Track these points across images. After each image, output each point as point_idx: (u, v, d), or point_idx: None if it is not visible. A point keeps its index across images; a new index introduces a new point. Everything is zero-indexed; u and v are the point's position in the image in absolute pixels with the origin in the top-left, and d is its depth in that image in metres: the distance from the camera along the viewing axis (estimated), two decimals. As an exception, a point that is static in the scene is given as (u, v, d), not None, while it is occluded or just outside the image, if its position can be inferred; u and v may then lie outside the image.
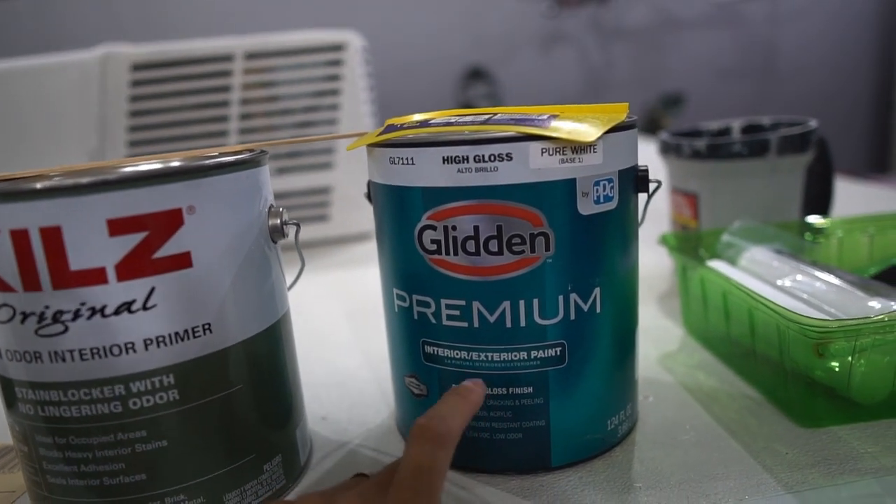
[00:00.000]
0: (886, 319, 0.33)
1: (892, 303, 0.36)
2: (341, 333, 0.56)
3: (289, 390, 0.34)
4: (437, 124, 0.32)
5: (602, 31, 2.87)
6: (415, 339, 0.34)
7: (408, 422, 0.36)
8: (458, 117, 0.34)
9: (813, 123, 0.56)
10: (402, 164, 0.31)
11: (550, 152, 0.29)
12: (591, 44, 2.86)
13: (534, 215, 0.30)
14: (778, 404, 0.38)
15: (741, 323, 0.40)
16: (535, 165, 0.29)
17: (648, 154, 1.35)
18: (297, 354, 0.37)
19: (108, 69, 0.82)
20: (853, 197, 0.89)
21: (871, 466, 0.32)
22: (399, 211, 0.32)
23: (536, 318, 0.31)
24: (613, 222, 0.32)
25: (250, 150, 0.34)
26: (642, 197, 0.35)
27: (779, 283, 0.42)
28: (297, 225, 0.35)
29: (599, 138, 0.30)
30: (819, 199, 0.63)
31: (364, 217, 0.89)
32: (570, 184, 0.30)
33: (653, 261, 0.67)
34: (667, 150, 0.59)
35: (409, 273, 0.33)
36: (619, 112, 0.33)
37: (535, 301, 0.31)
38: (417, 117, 0.36)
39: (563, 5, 2.80)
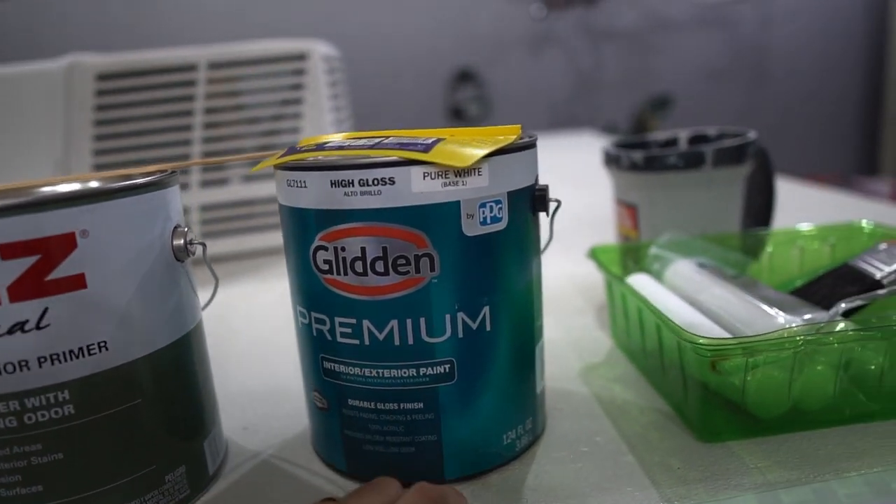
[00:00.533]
0: (778, 337, 0.34)
1: (798, 318, 0.37)
2: (280, 344, 0.57)
3: (198, 402, 0.36)
4: (331, 147, 0.33)
5: (591, 32, 2.88)
6: (315, 355, 0.35)
7: (316, 434, 0.37)
8: (352, 140, 0.35)
9: (752, 135, 0.57)
10: (297, 186, 0.32)
11: (433, 176, 0.30)
12: (580, 46, 2.87)
13: (418, 237, 0.31)
14: (682, 418, 0.39)
15: (652, 337, 0.42)
16: (418, 189, 0.30)
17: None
18: (233, 364, 0.38)
19: (74, 79, 0.83)
20: (814, 204, 0.90)
21: (756, 482, 0.33)
22: (297, 231, 0.33)
23: (424, 337, 0.32)
24: (503, 242, 0.33)
25: (161, 171, 0.35)
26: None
27: (698, 297, 0.43)
28: (203, 245, 0.36)
29: (480, 161, 0.31)
30: (760, 210, 0.64)
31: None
32: (454, 206, 0.31)
33: (596, 272, 0.68)
34: (608, 161, 0.60)
35: (307, 291, 0.34)
36: (510, 134, 0.34)
37: (422, 320, 0.32)
38: (324, 139, 0.37)
39: (551, 7, 2.81)
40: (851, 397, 0.36)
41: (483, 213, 0.32)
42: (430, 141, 0.32)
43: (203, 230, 0.87)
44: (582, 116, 2.90)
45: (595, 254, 0.49)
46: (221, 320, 0.64)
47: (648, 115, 2.58)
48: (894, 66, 3.00)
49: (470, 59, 2.83)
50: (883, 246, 0.45)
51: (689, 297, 0.44)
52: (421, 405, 0.33)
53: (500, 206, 0.32)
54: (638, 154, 0.56)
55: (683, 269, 0.46)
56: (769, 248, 0.53)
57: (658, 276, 0.48)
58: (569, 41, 2.88)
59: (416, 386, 0.33)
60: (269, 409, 0.45)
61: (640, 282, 0.45)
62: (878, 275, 0.42)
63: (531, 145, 0.34)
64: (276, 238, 0.89)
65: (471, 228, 0.32)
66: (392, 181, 0.30)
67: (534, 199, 0.35)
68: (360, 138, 0.35)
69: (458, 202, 0.31)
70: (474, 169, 0.31)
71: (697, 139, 0.64)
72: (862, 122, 3.14)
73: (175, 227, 0.34)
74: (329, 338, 0.33)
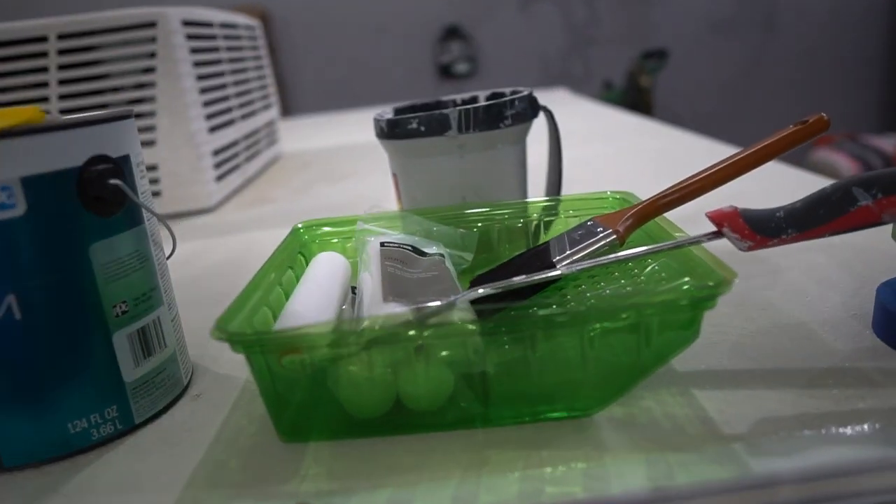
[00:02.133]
0: (331, 330, 0.31)
1: (412, 305, 0.34)
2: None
3: None
4: None
5: (584, -16, 2.75)
6: None
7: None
8: None
9: (521, 93, 0.53)
10: None
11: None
12: (572, -1, 2.75)
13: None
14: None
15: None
16: None
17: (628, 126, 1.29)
18: None
19: (-73, 54, 0.83)
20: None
21: (289, 491, 0.30)
22: None
23: (-52, 324, 0.31)
24: (22, 230, 0.31)
25: None
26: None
27: (360, 277, 0.40)
28: None
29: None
30: (549, 178, 0.60)
31: (196, 192, 0.90)
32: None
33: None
34: (375, 128, 0.56)
35: None
36: (19, 116, 0.31)
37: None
38: None
39: (539, -41, 2.70)
40: (462, 399, 0.33)
41: (-14, 199, 0.30)
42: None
43: None
44: (576, 73, 2.79)
45: (297, 231, 0.47)
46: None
47: (640, 71, 2.47)
48: (921, 9, 2.78)
49: (457, 15, 2.75)
50: (590, 222, 0.41)
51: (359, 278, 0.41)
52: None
53: (7, 192, 0.30)
54: (384, 119, 0.52)
55: (371, 249, 0.43)
56: (519, 220, 0.49)
57: (359, 254, 0.45)
58: (560, -6, 2.77)
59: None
60: None
61: (318, 261, 0.43)
62: (556, 257, 0.39)
63: (56, 127, 0.32)
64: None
65: (-26, 214, 0.30)
66: None
67: (82, 183, 0.33)
68: None
69: (-46, 187, 0.29)
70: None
71: (495, 97, 0.60)
72: (883, 75, 2.93)
73: None
74: None
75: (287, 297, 0.40)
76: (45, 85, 0.85)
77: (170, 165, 0.88)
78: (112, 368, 0.35)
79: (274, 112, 1.33)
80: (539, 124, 0.99)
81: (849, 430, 0.30)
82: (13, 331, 0.32)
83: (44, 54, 0.84)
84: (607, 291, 0.38)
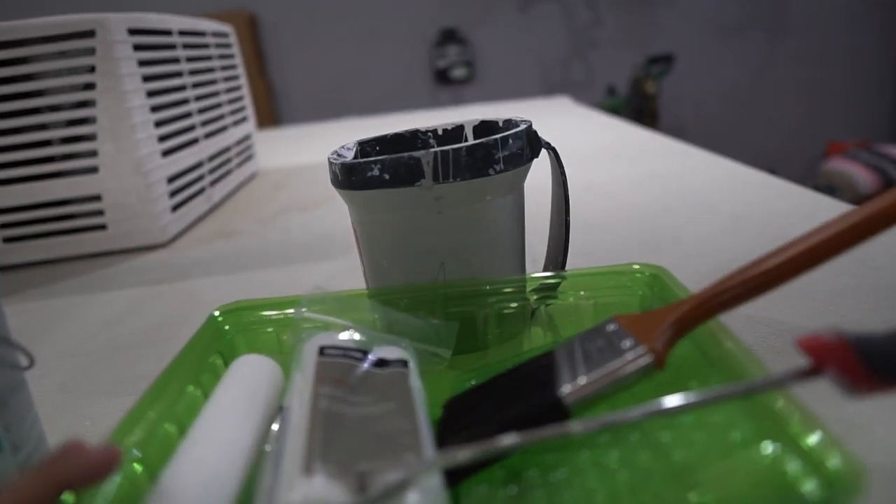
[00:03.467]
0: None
1: (329, 491, 0.22)
2: None
3: None
4: None
5: (587, -15, 2.64)
6: None
7: None
8: None
9: (517, 127, 0.41)
10: None
11: None
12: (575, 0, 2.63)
13: None
14: None
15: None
16: None
17: (620, 134, 1.16)
18: None
19: None
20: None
21: None
22: None
23: None
24: None
25: None
26: None
27: (287, 402, 0.29)
28: None
29: None
30: (553, 239, 0.48)
31: (146, 226, 0.78)
32: None
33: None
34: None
35: None
36: None
37: None
38: None
39: (539, -41, 2.58)
40: None
41: None
42: None
43: (-8, 240, 0.76)
44: (578, 78, 2.67)
45: (214, 321, 0.35)
46: None
47: (644, 77, 2.35)
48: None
49: (453, 18, 2.63)
50: (611, 327, 0.29)
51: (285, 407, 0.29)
52: None
53: None
54: (338, 163, 0.41)
55: (305, 356, 0.31)
56: (511, 304, 0.37)
57: (294, 356, 0.33)
58: (562, -4, 2.65)
59: None
60: None
61: (232, 375, 0.31)
62: (565, 389, 0.27)
63: None
64: (90, 242, 0.77)
65: None
66: None
67: None
68: None
69: None
70: None
71: (484, 128, 0.48)
72: (893, 82, 2.81)
73: None
74: None
75: (182, 433, 0.28)
76: (-32, 103, 0.73)
77: (115, 196, 0.77)
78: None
79: (249, 126, 1.21)
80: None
81: None
82: None
83: (-34, 67, 0.72)
84: (643, 455, 0.26)
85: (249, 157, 1.19)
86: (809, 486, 0.19)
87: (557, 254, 0.46)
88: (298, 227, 0.81)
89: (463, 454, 0.23)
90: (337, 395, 0.28)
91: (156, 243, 0.79)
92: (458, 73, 2.64)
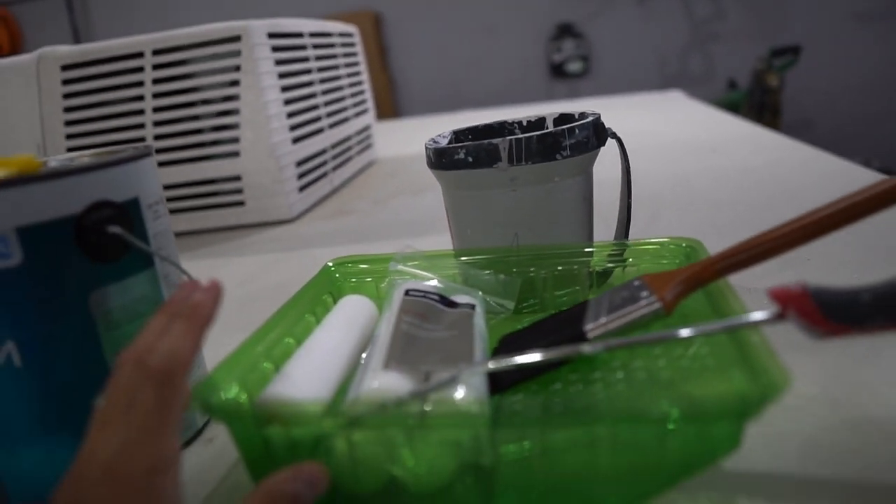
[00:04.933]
0: (327, 412, 0.28)
1: (399, 381, 0.31)
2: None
3: None
4: None
5: (709, -24, 2.57)
6: None
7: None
8: None
9: (585, 119, 0.48)
10: None
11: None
12: (695, -8, 2.57)
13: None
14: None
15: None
16: None
17: (740, 135, 1.18)
18: None
19: (42, 70, 0.89)
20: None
21: None
22: None
23: (-50, 370, 0.31)
24: (17, 279, 0.31)
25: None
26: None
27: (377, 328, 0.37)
28: None
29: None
30: (620, 216, 0.54)
31: (277, 204, 0.91)
32: (-56, 243, 0.29)
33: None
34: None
35: None
36: (12, 166, 0.31)
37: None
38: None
39: (660, -49, 2.55)
40: (460, 489, 0.29)
41: (-22, 250, 0.30)
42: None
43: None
44: (696, 72, 2.62)
45: (327, 270, 0.44)
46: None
47: (767, 69, 2.27)
48: None
49: (570, 12, 2.65)
50: (637, 282, 0.36)
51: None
52: (-31, 437, 0.32)
53: (3, 242, 0.30)
54: (431, 148, 0.49)
55: (395, 296, 0.40)
56: (571, 266, 0.44)
57: (387, 297, 0.42)
58: (682, -13, 2.60)
59: (-41, 416, 0.32)
60: None
61: (341, 307, 0.40)
62: (590, 323, 0.34)
63: (62, 174, 0.31)
64: (230, 216, 0.91)
65: (-32, 264, 0.30)
66: None
67: (81, 231, 0.32)
68: None
69: (-53, 238, 0.29)
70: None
71: (563, 119, 0.55)
72: None
73: None
74: None
75: (299, 345, 0.37)
76: (140, 98, 0.88)
77: (252, 177, 0.90)
78: (110, 419, 0.34)
79: (369, 117, 1.33)
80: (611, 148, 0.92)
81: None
82: (15, 378, 0.32)
83: (140, 69, 0.88)
84: (640, 373, 0.33)
85: (368, 146, 1.31)
86: (751, 389, 0.24)
87: (621, 229, 0.52)
88: (407, 209, 0.91)
89: (501, 363, 0.30)
90: (415, 322, 0.36)
91: (284, 218, 0.92)
92: (574, 67, 2.66)
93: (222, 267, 0.75)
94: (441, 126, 1.76)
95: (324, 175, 1.05)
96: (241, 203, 0.92)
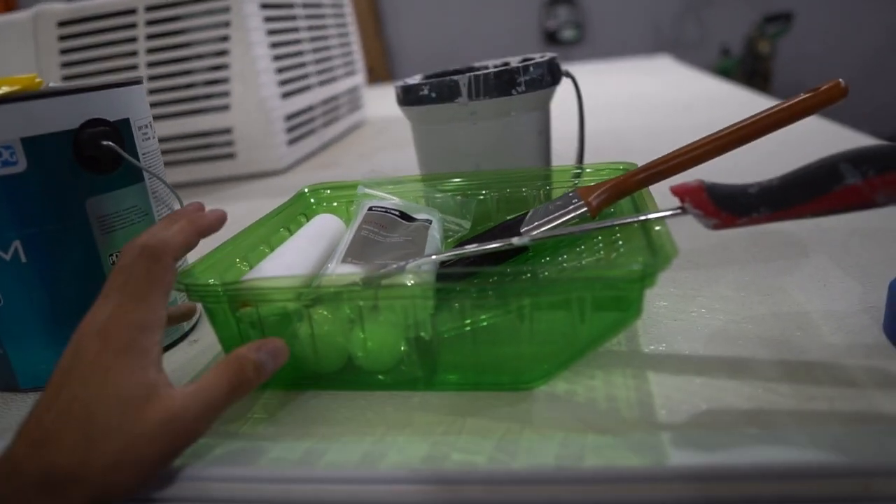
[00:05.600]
0: (289, 289, 0.32)
1: (355, 271, 0.35)
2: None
3: None
4: None
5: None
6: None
7: None
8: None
9: (536, 59, 0.52)
10: None
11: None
12: (688, -42, 2.58)
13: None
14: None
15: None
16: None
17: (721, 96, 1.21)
18: None
19: (39, 26, 0.93)
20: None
21: (231, 431, 0.33)
22: None
23: (-37, 263, 0.36)
24: (24, 183, 0.35)
25: None
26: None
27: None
28: None
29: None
30: (579, 147, 0.58)
31: (267, 155, 0.95)
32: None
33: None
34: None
35: None
36: (18, 84, 0.35)
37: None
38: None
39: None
40: (407, 363, 0.34)
41: (-14, 156, 0.34)
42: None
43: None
44: (690, 39, 2.63)
45: (302, 194, 0.49)
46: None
47: (759, 37, 2.28)
48: None
49: (564, -20, 2.66)
50: (570, 193, 0.40)
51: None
52: (-19, 323, 0.37)
53: (9, 150, 0.34)
54: (399, 85, 0.53)
55: (360, 209, 0.44)
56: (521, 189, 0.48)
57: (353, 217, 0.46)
58: (676, -47, 2.60)
59: (-31, 306, 0.37)
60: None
61: (312, 222, 0.45)
62: (527, 227, 0.38)
63: (61, 92, 0.35)
64: (222, 168, 0.95)
65: (-24, 170, 0.34)
66: None
67: (77, 144, 0.36)
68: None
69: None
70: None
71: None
72: None
73: None
74: None
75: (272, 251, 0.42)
76: (133, 54, 0.92)
77: (243, 129, 0.94)
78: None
79: (359, 78, 1.36)
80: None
81: (795, 434, 0.28)
82: (21, 272, 0.37)
83: (133, 25, 0.91)
84: (564, 266, 0.37)
85: (358, 107, 1.35)
86: (635, 270, 0.29)
87: (578, 156, 0.57)
88: (391, 161, 0.95)
89: (444, 254, 0.35)
90: (374, 230, 0.41)
91: (274, 169, 0.96)
92: (568, 34, 2.68)
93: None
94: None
95: (312, 131, 1.09)
96: (232, 155, 0.96)
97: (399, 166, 0.91)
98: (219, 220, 0.34)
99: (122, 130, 0.39)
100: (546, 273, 0.30)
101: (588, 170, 0.46)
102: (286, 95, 0.99)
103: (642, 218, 0.33)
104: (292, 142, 1.00)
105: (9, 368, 0.38)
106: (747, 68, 2.36)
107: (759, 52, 2.29)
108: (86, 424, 0.26)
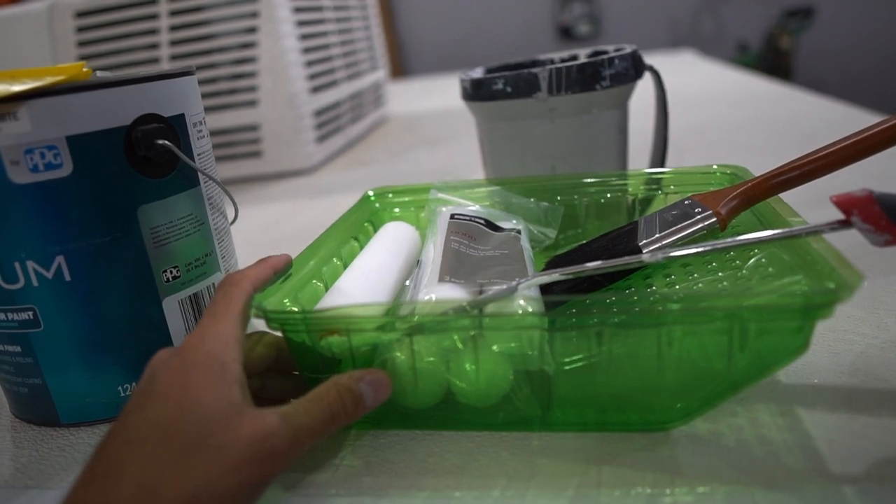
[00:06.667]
0: (388, 317, 0.28)
1: (456, 293, 0.31)
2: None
3: None
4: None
5: (722, -66, 2.52)
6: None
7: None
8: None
9: (623, 51, 0.47)
10: None
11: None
12: (707, -49, 2.53)
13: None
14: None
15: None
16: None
17: (759, 91, 1.16)
18: None
19: (55, 17, 0.88)
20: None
21: (322, 480, 0.28)
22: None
23: (2, 283, 0.31)
24: (69, 189, 0.30)
25: None
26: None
27: (424, 251, 0.37)
28: None
29: (13, 105, 0.28)
30: (656, 148, 0.53)
31: (296, 153, 0.90)
32: (-8, 152, 0.29)
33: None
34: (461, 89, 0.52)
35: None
36: (62, 73, 0.30)
37: (-7, 266, 0.31)
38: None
39: None
40: (518, 398, 0.29)
41: (31, 159, 0.29)
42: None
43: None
44: (707, 34, 2.58)
45: (367, 198, 0.44)
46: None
47: (780, 32, 2.23)
48: None
49: (580, -27, 2.61)
50: (687, 201, 0.35)
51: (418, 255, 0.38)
52: (19, 348, 0.33)
53: (53, 151, 0.30)
54: (468, 80, 0.48)
55: (440, 220, 0.39)
56: (612, 194, 0.43)
57: (430, 224, 0.42)
58: (695, -54, 2.55)
59: (9, 329, 0.32)
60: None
61: (384, 231, 0.40)
62: (644, 240, 0.33)
63: (112, 84, 0.31)
64: (248, 167, 0.91)
65: (20, 175, 0.29)
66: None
67: (130, 143, 0.31)
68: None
69: (-4, 147, 0.29)
70: (7, 113, 0.28)
71: (596, 55, 0.54)
72: None
73: None
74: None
75: (346, 268, 0.37)
76: (155, 46, 0.87)
77: (271, 126, 0.89)
78: (162, 333, 0.34)
79: (381, 74, 1.31)
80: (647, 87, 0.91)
81: None
82: (65, 292, 0.32)
83: (155, 16, 0.86)
84: (699, 285, 0.33)
85: (382, 103, 1.30)
86: (818, 294, 0.24)
87: (657, 160, 0.52)
88: (425, 159, 0.90)
89: (561, 273, 0.30)
90: (463, 242, 0.36)
91: (302, 168, 0.91)
92: (583, 29, 2.62)
93: (244, 216, 0.74)
94: (450, 86, 1.74)
95: (339, 129, 1.04)
96: (257, 153, 0.91)
97: (436, 166, 0.86)
98: (285, 261, 0.33)
99: (176, 127, 0.34)
100: (702, 300, 0.26)
101: (691, 174, 0.41)
102: (315, 90, 0.94)
103: (799, 232, 0.28)
104: (320, 139, 0.95)
105: (48, 401, 0.34)
106: (768, 63, 2.31)
107: (780, 48, 2.24)
108: (158, 447, 0.22)
